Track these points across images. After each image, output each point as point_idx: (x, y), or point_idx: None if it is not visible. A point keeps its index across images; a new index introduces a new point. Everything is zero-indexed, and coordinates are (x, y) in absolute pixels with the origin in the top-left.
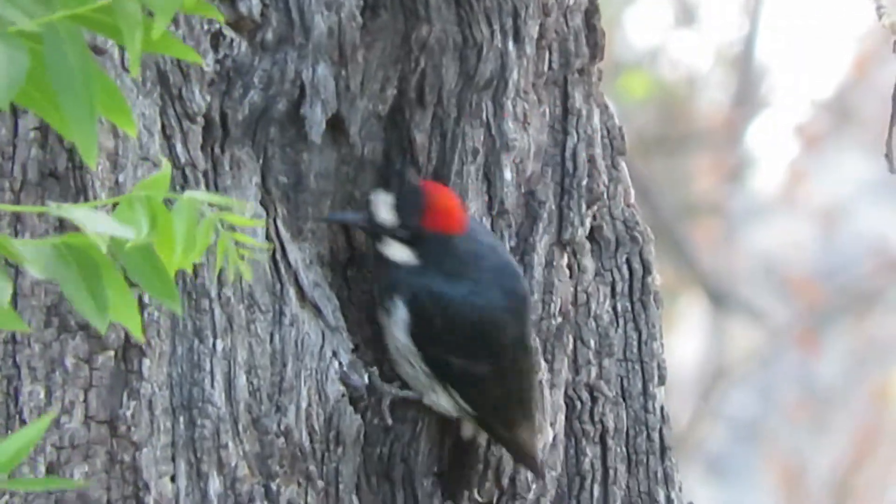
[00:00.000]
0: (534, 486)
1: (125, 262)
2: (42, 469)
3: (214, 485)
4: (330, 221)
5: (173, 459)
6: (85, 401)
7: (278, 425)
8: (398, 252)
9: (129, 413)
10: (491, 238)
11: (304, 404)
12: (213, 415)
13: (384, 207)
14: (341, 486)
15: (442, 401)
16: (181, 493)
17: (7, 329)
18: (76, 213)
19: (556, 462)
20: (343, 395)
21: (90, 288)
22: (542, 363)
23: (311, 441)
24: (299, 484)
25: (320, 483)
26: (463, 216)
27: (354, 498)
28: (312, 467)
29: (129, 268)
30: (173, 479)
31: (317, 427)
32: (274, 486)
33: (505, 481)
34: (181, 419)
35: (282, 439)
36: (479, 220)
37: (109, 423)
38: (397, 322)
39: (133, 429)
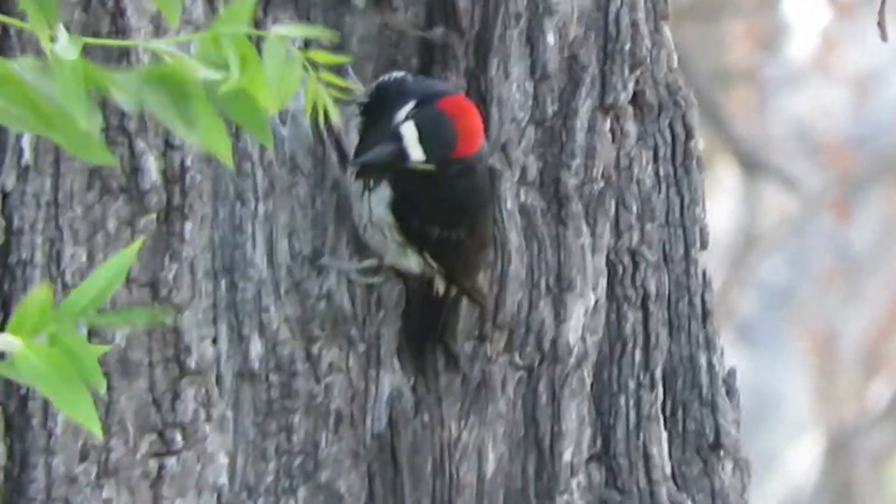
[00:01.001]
0: (574, 351)
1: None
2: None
3: (256, 347)
4: (364, 163)
5: (214, 322)
6: None
7: (320, 289)
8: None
9: (170, 276)
10: None
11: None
12: (254, 278)
13: (412, 143)
14: (382, 349)
15: (411, 262)
16: (222, 356)
17: (97, 161)
18: (166, 46)
19: (597, 326)
20: None
21: (181, 112)
22: (584, 228)
23: (353, 305)
24: (340, 347)
25: (361, 346)
26: (481, 132)
27: (395, 360)
28: (354, 330)
29: (223, 106)
30: (215, 341)
31: (358, 291)
32: (315, 349)
33: (546, 346)
34: (223, 282)
35: (323, 303)
36: None
37: (151, 286)
38: (379, 197)
39: (174, 292)
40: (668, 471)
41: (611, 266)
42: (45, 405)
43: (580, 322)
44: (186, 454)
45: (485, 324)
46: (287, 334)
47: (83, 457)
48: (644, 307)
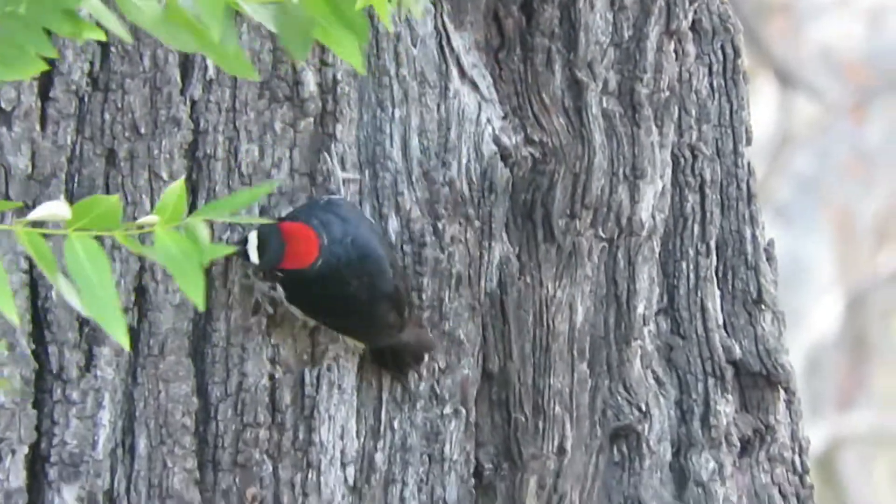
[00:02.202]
0: (646, 226)
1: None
2: (256, 211)
3: (393, 224)
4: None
5: (360, 204)
6: (290, 157)
7: (444, 177)
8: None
9: (324, 168)
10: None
11: (464, 160)
12: (391, 168)
13: (252, 249)
14: (494, 225)
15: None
16: None
17: (241, 75)
18: None
19: (664, 206)
20: (495, 153)
21: (302, 38)
22: (654, 128)
23: (470, 189)
24: (460, 223)
25: (477, 223)
26: (311, 251)
27: (504, 234)
28: (471, 210)
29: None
30: None
31: (474, 178)
32: (440, 225)
33: (623, 221)
34: (366, 172)
35: (446, 188)
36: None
37: (309, 175)
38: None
39: (328, 182)
40: (721, 321)
41: (675, 158)
42: (225, 270)
43: (650, 203)
44: None
45: (574, 205)
46: (418, 213)
47: (255, 310)
48: (701, 191)
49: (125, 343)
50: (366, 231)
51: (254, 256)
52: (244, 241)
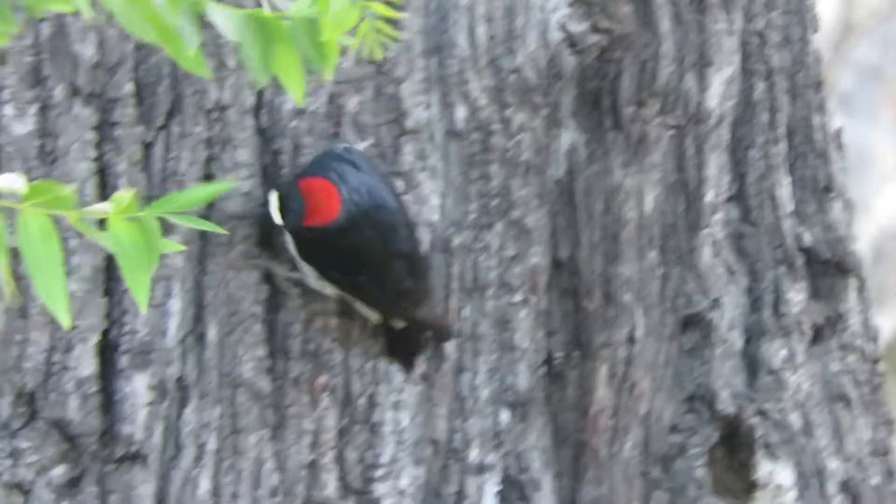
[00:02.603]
0: (714, 113)
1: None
2: (324, 99)
3: (460, 112)
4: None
5: (427, 92)
6: None
7: (511, 65)
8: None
9: (392, 55)
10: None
11: (530, 48)
12: (458, 56)
13: (274, 209)
14: (561, 113)
15: (328, 292)
16: (434, 119)
17: (196, 73)
18: None
19: (733, 94)
20: (562, 41)
21: (260, 50)
22: (722, 14)
23: (538, 77)
24: (527, 111)
25: (544, 111)
26: (334, 206)
27: (570, 121)
28: (538, 98)
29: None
30: (428, 107)
31: (542, 65)
32: (508, 113)
33: (692, 109)
34: (433, 60)
35: (513, 76)
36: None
37: (375, 63)
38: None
39: (395, 67)
40: (790, 209)
41: (743, 45)
42: (294, 146)
43: (719, 90)
44: (406, 197)
45: (642, 92)
46: (485, 101)
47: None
48: (769, 78)
49: (66, 322)
50: (380, 183)
51: (276, 217)
52: (265, 203)
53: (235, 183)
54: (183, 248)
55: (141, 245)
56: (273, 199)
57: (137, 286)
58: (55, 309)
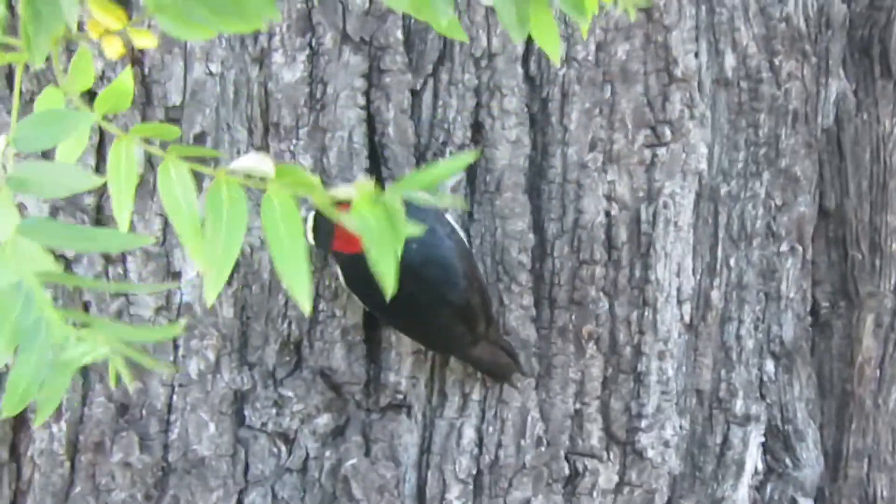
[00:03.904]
0: None
1: None
2: (592, 47)
3: (729, 60)
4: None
5: (696, 40)
6: None
7: (780, 13)
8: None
9: (661, 3)
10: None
11: None
12: (728, 4)
13: (309, 231)
14: (830, 62)
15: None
16: (703, 67)
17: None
18: None
19: None
20: None
21: (516, 10)
22: None
23: (807, 25)
24: (797, 59)
25: (813, 59)
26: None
27: (840, 70)
28: (807, 46)
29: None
30: (696, 55)
31: (811, 14)
32: (777, 61)
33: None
34: (703, 7)
35: (783, 24)
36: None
37: (646, 12)
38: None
39: (664, 15)
40: None
41: None
42: (563, 94)
43: None
44: (674, 145)
45: None
46: (754, 49)
47: (591, 147)
48: None
49: (307, 308)
50: (440, 238)
51: (309, 237)
52: (304, 223)
53: (471, 156)
54: (421, 229)
55: (386, 227)
56: (309, 219)
57: (384, 267)
58: (296, 292)
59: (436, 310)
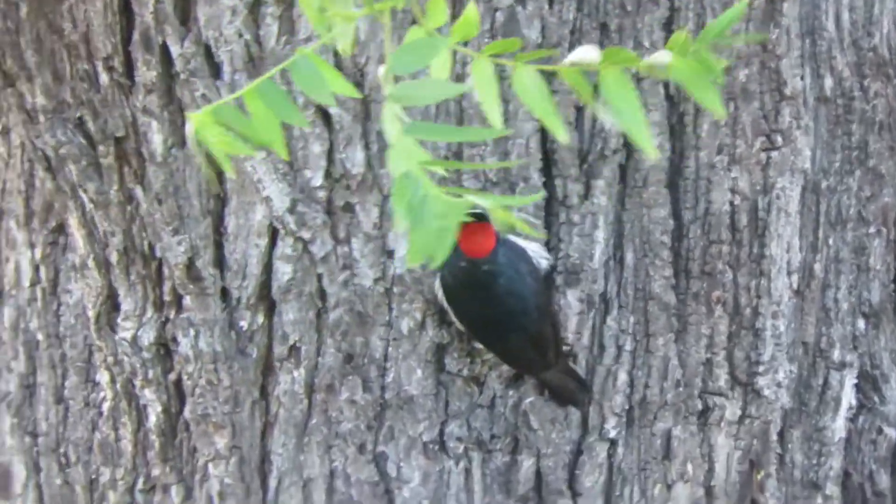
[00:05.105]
0: None
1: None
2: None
3: (828, 82)
4: None
5: (802, 66)
6: (746, 29)
7: (869, 44)
8: None
9: (773, 37)
10: (513, 262)
11: (885, 30)
12: (826, 37)
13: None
14: None
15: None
16: (807, 88)
17: None
18: None
19: None
20: None
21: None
22: None
23: (890, 53)
24: (882, 81)
25: (895, 81)
26: (489, 243)
27: None
28: (891, 70)
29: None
30: (802, 77)
31: (893, 45)
32: (865, 83)
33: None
34: (807, 40)
35: (871, 53)
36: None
37: (762, 45)
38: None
39: (776, 46)
40: None
41: None
42: (696, 110)
43: None
44: (784, 149)
45: None
46: (848, 73)
47: (718, 151)
48: None
49: (651, 153)
50: (522, 275)
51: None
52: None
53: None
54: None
55: (700, 71)
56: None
57: (709, 101)
58: (639, 140)
59: (513, 334)
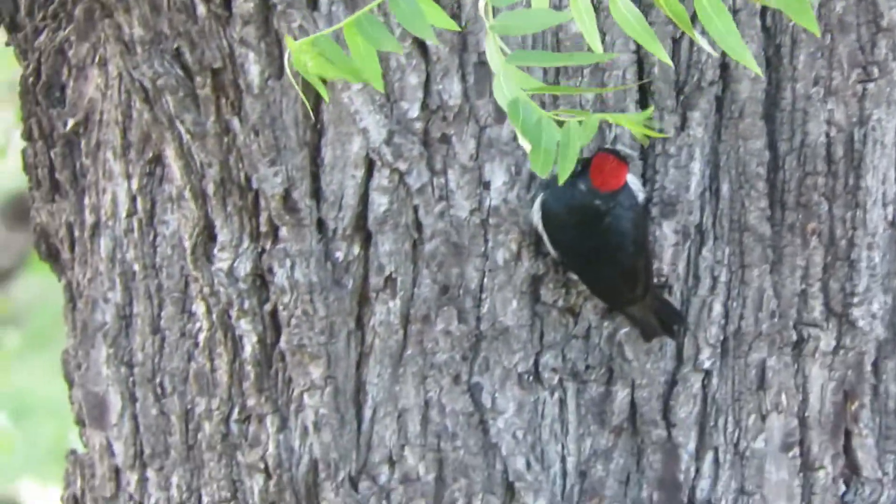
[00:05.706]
0: None
1: None
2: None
3: None
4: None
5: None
6: None
7: None
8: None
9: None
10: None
11: None
12: None
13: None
14: None
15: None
16: None
17: None
18: None
19: None
20: None
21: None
22: None
23: None
24: None
25: None
26: (612, 181)
27: None
28: None
29: None
30: None
31: None
32: None
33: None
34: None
35: None
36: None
37: None
38: (539, 196)
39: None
40: None
41: None
42: (792, 42)
43: None
44: (880, 81)
45: None
46: None
47: (815, 83)
48: None
49: (754, 69)
50: (625, 210)
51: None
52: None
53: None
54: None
55: None
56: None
57: (806, 21)
58: (743, 61)
59: (606, 266)
